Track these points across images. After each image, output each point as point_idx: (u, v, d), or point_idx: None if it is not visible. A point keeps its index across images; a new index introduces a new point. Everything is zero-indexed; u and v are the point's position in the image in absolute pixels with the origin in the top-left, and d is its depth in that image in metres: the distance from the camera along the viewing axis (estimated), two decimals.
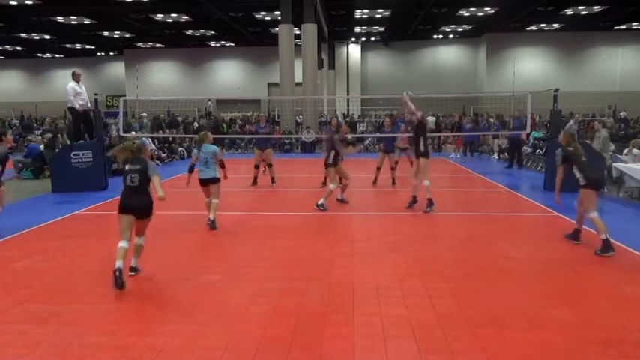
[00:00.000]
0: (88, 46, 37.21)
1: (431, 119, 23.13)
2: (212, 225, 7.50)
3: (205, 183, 7.58)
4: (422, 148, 8.66)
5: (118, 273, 4.94)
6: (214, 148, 7.66)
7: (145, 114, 23.80)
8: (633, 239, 6.65)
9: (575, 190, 10.15)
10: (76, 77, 11.35)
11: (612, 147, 12.31)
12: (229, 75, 37.90)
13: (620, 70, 34.06)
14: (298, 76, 21.79)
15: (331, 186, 9.13)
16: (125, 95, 27.23)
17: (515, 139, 15.79)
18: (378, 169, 11.95)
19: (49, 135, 15.76)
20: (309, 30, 21.57)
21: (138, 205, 5.25)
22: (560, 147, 6.86)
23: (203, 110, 30.82)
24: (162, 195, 5.22)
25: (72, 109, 11.41)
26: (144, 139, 16.62)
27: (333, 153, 9.04)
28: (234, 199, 10.30)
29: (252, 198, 10.53)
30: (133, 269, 5.50)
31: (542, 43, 34.05)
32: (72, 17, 26.73)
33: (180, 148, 19.17)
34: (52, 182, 11.13)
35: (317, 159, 16.68)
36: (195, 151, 7.80)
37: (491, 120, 20.86)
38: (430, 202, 8.61)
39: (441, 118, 24.34)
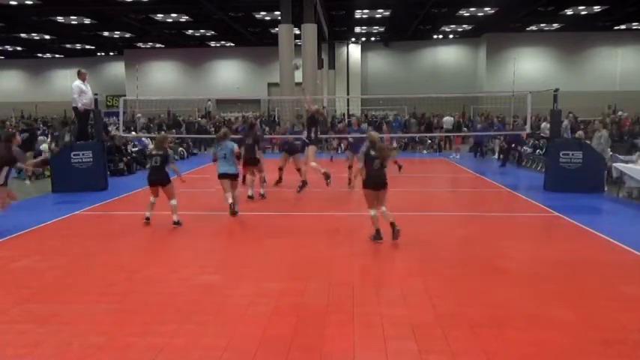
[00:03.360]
0: (88, 46, 37.17)
1: (448, 119, 22.88)
2: (233, 210, 8.29)
3: (225, 177, 8.39)
4: (312, 135, 10.02)
5: (146, 220, 7.82)
6: (232, 144, 8.49)
7: (140, 114, 23.81)
8: (633, 239, 6.64)
9: (573, 190, 10.23)
10: (81, 76, 11.39)
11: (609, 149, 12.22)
12: (229, 75, 37.87)
13: (620, 70, 34.03)
14: (298, 76, 21.76)
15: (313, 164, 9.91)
16: (125, 95, 27.23)
17: (513, 138, 15.87)
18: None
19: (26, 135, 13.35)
20: (309, 30, 21.55)
21: (159, 179, 7.86)
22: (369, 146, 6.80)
23: (203, 110, 30.83)
24: (181, 174, 8.14)
25: (76, 109, 11.45)
26: (143, 139, 16.69)
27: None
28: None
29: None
30: (176, 223, 7.72)
31: (542, 43, 34.02)
32: (72, 17, 26.70)
33: (180, 148, 19.17)
34: (52, 182, 11.13)
35: (318, 159, 16.65)
36: (217, 149, 8.69)
37: (496, 119, 20.91)
38: (304, 183, 9.93)
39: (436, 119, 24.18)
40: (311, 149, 9.87)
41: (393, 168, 13.76)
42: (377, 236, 6.72)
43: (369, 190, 6.70)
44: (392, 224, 6.54)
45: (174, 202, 7.87)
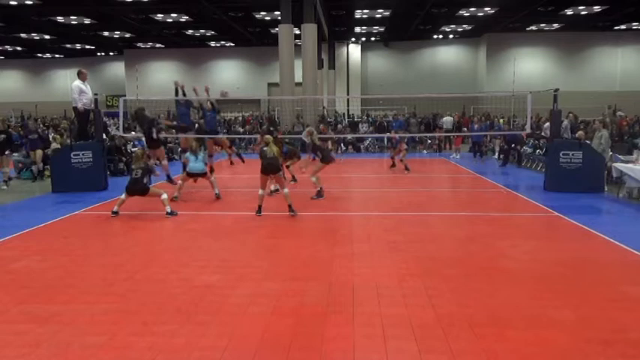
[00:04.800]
0: (88, 46, 37.16)
1: (448, 119, 22.94)
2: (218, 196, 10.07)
3: (193, 175, 9.96)
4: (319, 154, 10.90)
5: (113, 214, 8.41)
6: (203, 154, 10.11)
7: None
8: (633, 239, 6.65)
9: (573, 190, 10.23)
10: (82, 76, 11.42)
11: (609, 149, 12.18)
12: (229, 75, 37.86)
13: (620, 70, 34.02)
14: (298, 76, 21.77)
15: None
16: (125, 95, 27.19)
17: (513, 138, 15.91)
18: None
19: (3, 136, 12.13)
20: (309, 30, 21.54)
21: (138, 190, 8.57)
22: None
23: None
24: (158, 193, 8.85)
25: (76, 109, 11.46)
26: (143, 139, 16.67)
27: None
28: (235, 199, 10.31)
29: (252, 198, 10.51)
30: (169, 213, 8.45)
31: (542, 43, 34.01)
32: (72, 17, 26.70)
33: (180, 148, 19.13)
34: (52, 182, 11.13)
35: (317, 159, 16.65)
36: (189, 155, 9.96)
37: (499, 120, 20.92)
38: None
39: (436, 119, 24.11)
40: (317, 164, 10.47)
41: (400, 167, 14.03)
42: (258, 211, 8.58)
43: (263, 175, 8.66)
44: (289, 205, 8.51)
45: (164, 196, 8.65)
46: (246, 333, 4.05)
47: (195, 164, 9.87)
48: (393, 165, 14.63)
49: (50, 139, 16.18)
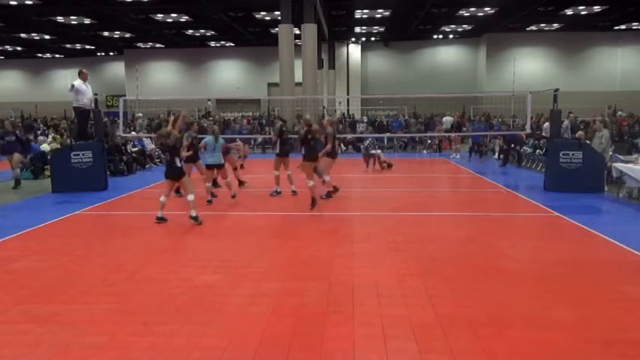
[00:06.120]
0: (88, 46, 37.18)
1: (448, 119, 23.00)
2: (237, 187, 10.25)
3: (212, 167, 9.62)
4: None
5: (157, 220, 7.81)
6: (223, 140, 9.97)
7: (140, 114, 23.78)
8: (633, 239, 6.64)
9: (573, 190, 10.25)
10: (82, 76, 11.44)
11: (611, 148, 12.21)
12: (229, 75, 37.88)
13: (620, 70, 34.04)
14: (298, 76, 21.78)
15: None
16: (125, 95, 27.21)
17: (513, 139, 15.90)
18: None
19: None
20: (309, 30, 21.55)
21: (171, 174, 7.91)
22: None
23: (203, 110, 30.84)
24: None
25: (76, 109, 11.47)
26: (143, 139, 16.68)
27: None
28: (235, 199, 10.30)
29: (253, 198, 10.52)
30: (193, 218, 7.82)
31: (542, 43, 34.03)
32: (72, 17, 26.71)
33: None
34: (52, 182, 11.13)
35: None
36: (209, 138, 9.55)
37: (497, 120, 20.90)
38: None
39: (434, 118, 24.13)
40: (326, 161, 9.88)
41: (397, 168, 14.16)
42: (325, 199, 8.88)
43: (307, 162, 8.80)
44: (313, 197, 8.70)
45: (190, 197, 7.90)
46: (246, 333, 4.05)
47: (213, 155, 9.47)
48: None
49: (49, 139, 16.18)
